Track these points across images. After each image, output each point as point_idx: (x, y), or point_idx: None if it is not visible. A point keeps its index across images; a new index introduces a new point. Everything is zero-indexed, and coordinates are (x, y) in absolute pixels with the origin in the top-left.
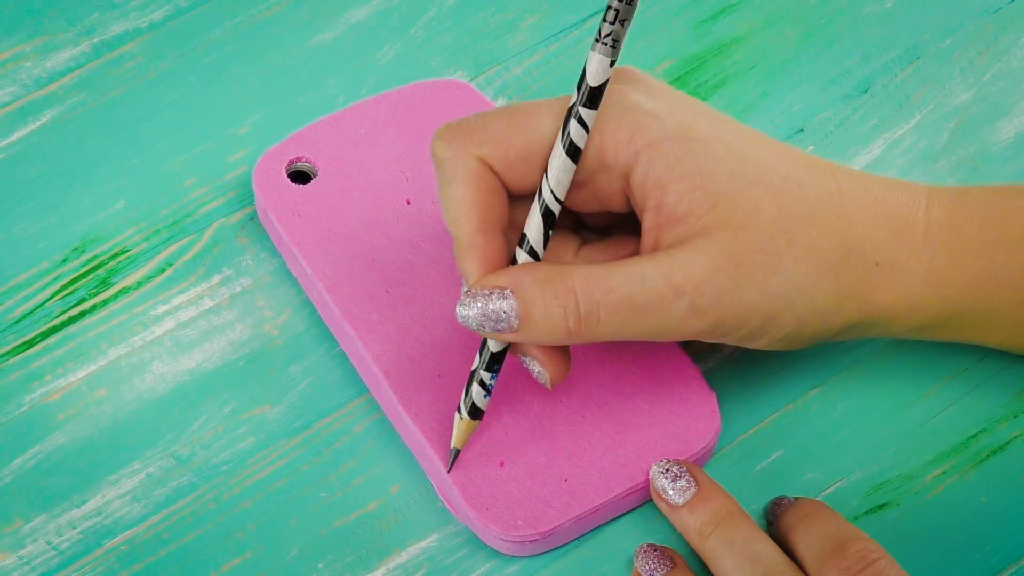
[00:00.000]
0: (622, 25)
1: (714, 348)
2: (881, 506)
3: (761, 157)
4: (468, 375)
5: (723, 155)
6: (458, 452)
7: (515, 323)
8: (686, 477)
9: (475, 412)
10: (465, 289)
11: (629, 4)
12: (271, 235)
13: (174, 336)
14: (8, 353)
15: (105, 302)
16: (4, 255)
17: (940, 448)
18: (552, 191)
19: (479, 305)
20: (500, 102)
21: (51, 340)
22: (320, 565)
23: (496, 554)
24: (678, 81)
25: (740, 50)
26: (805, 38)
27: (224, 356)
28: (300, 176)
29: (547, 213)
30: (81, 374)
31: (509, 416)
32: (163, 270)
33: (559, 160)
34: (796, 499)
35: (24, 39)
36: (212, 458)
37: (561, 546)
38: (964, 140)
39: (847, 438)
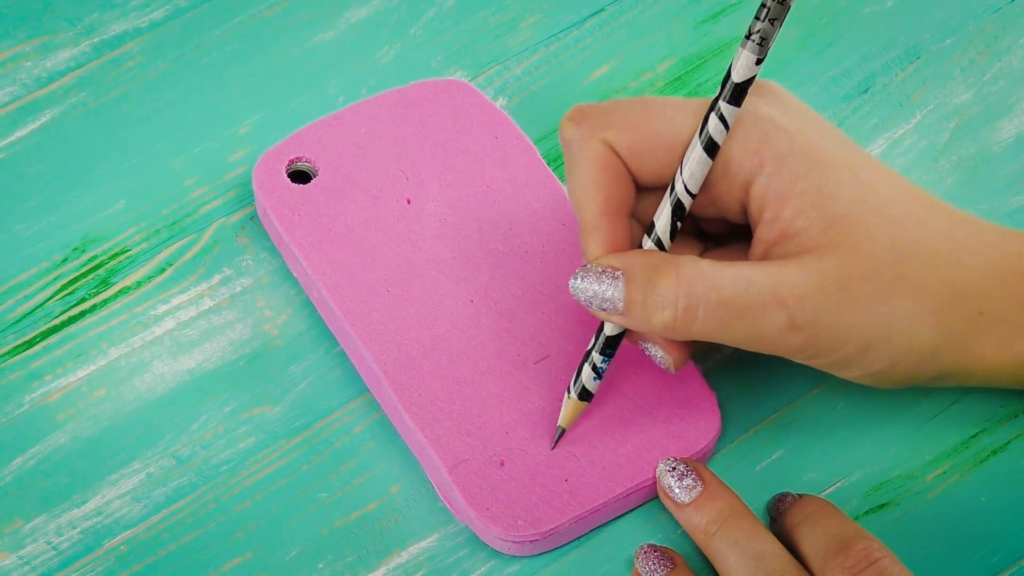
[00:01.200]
0: (772, 24)
1: (714, 348)
2: (881, 506)
3: (883, 188)
4: (580, 357)
5: (846, 179)
6: (563, 431)
7: (620, 305)
8: (692, 476)
9: (584, 394)
10: (582, 267)
11: (782, 3)
12: (271, 235)
13: (174, 336)
14: (8, 353)
15: (105, 302)
16: (4, 255)
17: (940, 448)
18: (685, 184)
19: (590, 281)
20: (500, 102)
21: (51, 340)
22: (320, 565)
23: (496, 554)
24: (678, 81)
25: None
26: (805, 38)
27: (224, 356)
28: (300, 176)
29: (678, 205)
30: (81, 374)
31: (509, 416)
32: (163, 270)
33: (696, 153)
34: (800, 496)
35: (24, 39)
36: (212, 458)
37: (561, 546)
38: (964, 140)
39: (847, 438)
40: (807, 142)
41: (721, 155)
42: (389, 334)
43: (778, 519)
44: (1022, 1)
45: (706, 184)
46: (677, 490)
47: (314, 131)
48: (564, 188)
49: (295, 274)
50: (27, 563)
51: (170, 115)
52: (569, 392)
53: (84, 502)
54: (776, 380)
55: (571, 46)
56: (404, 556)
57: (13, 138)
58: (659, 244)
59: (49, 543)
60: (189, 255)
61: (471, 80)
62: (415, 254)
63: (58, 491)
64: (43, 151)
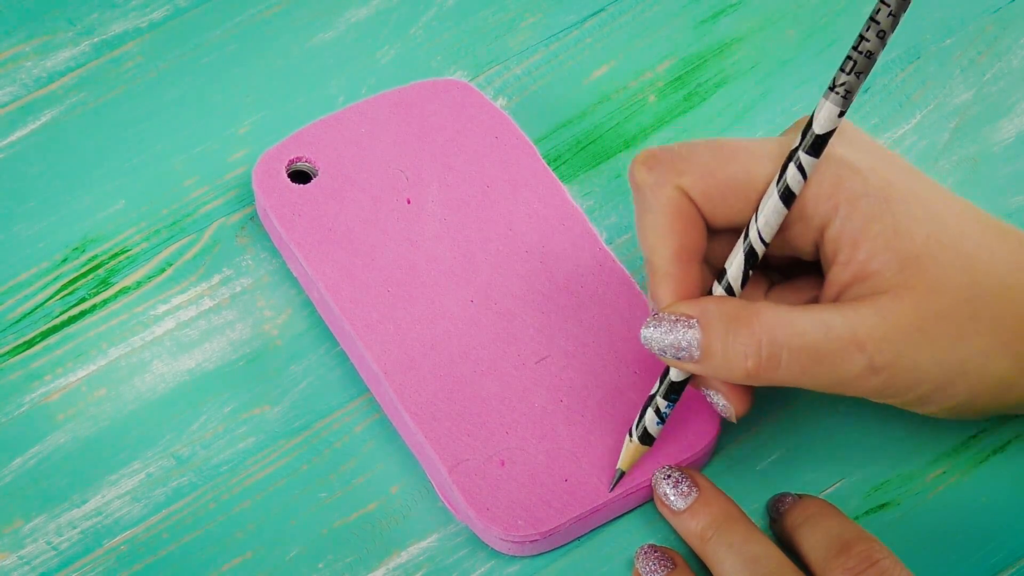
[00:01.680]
0: (857, 77)
1: None
2: (881, 506)
3: (956, 221)
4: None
5: (920, 217)
6: (623, 474)
7: (696, 354)
8: (687, 482)
9: (646, 438)
10: (653, 311)
11: (868, 58)
12: (271, 235)
13: (174, 336)
14: (8, 353)
15: (105, 302)
16: (4, 255)
17: (940, 448)
18: (759, 232)
19: (664, 330)
20: (500, 102)
21: (51, 340)
22: (320, 565)
23: (496, 554)
24: (678, 81)
25: (740, 50)
26: (805, 38)
27: (224, 356)
28: (300, 176)
29: (750, 253)
30: (81, 374)
31: (509, 416)
32: (163, 270)
33: (772, 202)
34: (800, 497)
35: (24, 39)
36: (212, 458)
37: (561, 546)
38: (964, 140)
39: (847, 438)
40: (880, 181)
41: (797, 199)
42: (389, 334)
43: (778, 520)
44: (1022, 1)
45: (780, 228)
46: (673, 497)
47: (314, 131)
48: (564, 188)
49: (295, 274)
50: (27, 563)
51: (170, 115)
52: (631, 435)
53: (84, 502)
54: None
55: (571, 46)
56: (404, 556)
57: (13, 138)
58: (729, 291)
59: (49, 543)
60: (189, 255)
61: (471, 80)
62: (415, 254)
63: (58, 491)
64: (43, 151)
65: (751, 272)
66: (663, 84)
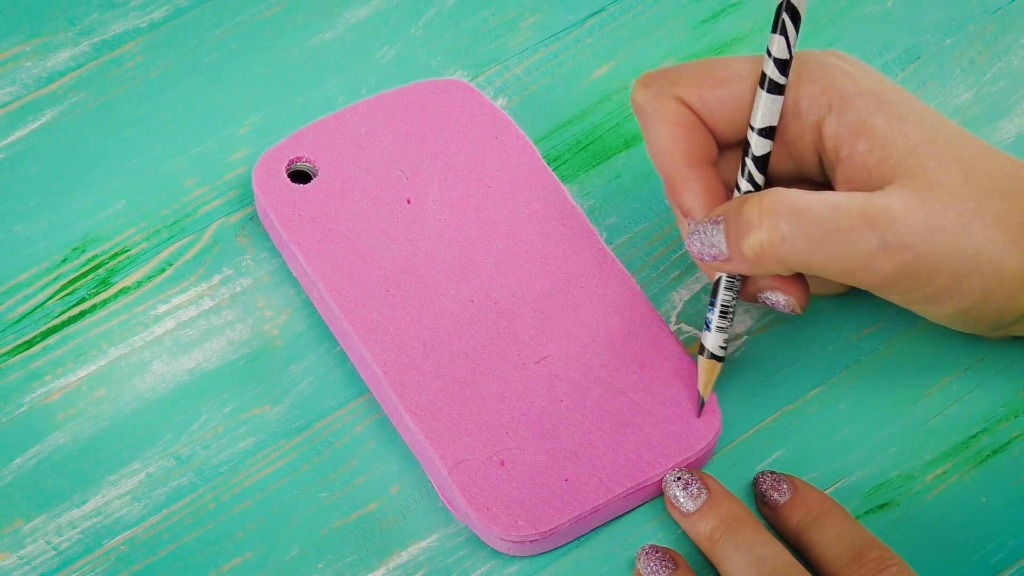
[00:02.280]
0: None
1: None
2: (881, 506)
3: (951, 131)
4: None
5: (914, 120)
6: (704, 402)
7: (724, 249)
8: (697, 484)
9: (715, 357)
10: (691, 225)
11: None
12: (271, 235)
13: (174, 336)
14: (8, 353)
15: (105, 302)
16: (4, 255)
17: (940, 448)
18: (758, 127)
19: (698, 235)
20: (500, 102)
21: (51, 340)
22: (320, 565)
23: (496, 554)
24: None
25: (740, 50)
26: (805, 38)
27: (224, 356)
28: (300, 176)
29: (758, 146)
30: (81, 374)
31: (509, 416)
32: (163, 270)
33: (762, 96)
34: (793, 483)
35: (24, 39)
36: (212, 458)
37: (561, 546)
38: None
39: (847, 438)
40: (872, 86)
41: (790, 97)
42: (389, 334)
43: (774, 508)
44: (1022, 1)
45: (779, 131)
46: (683, 499)
47: (314, 131)
48: (564, 188)
49: (295, 274)
50: (27, 563)
51: (170, 115)
52: (702, 354)
53: (84, 502)
54: (776, 380)
55: (571, 46)
56: (404, 556)
57: (13, 138)
58: (754, 185)
59: (49, 543)
60: (189, 255)
61: (471, 80)
62: (415, 254)
63: (58, 491)
64: (43, 151)
65: (767, 164)
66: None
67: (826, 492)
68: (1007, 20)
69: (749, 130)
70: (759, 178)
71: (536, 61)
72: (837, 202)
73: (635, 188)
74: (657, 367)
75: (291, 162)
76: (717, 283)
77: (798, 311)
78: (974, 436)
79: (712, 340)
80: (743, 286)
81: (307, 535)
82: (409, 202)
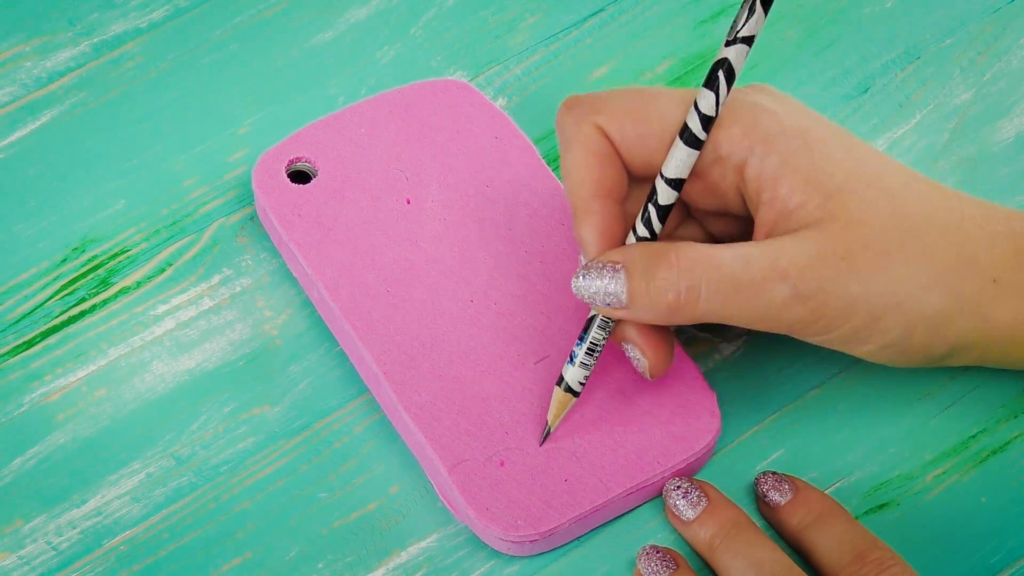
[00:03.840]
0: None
1: (714, 348)
2: (881, 506)
3: (880, 164)
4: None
5: (839, 157)
6: (549, 431)
7: (624, 299)
8: (697, 492)
9: (570, 390)
10: (583, 262)
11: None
12: (271, 235)
13: (174, 336)
14: (8, 353)
15: (105, 302)
16: (4, 255)
17: (940, 448)
18: (667, 175)
19: (592, 279)
20: (500, 102)
21: (51, 340)
22: (320, 565)
23: (496, 554)
24: (678, 81)
25: None
26: (805, 38)
27: (224, 356)
28: (300, 176)
29: (664, 192)
30: (81, 374)
31: (509, 416)
32: (163, 270)
33: (677, 144)
34: (795, 484)
35: (24, 39)
36: (212, 458)
37: (561, 546)
38: (964, 140)
39: (847, 438)
40: (796, 124)
41: (711, 141)
42: (389, 334)
43: (775, 508)
44: (1022, 1)
45: (700, 172)
46: (683, 507)
47: (314, 131)
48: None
49: (295, 274)
50: (27, 563)
51: (170, 115)
52: (559, 385)
53: (84, 502)
54: (776, 380)
55: (571, 46)
56: (404, 556)
57: (13, 138)
58: (648, 227)
59: (49, 543)
60: (189, 255)
61: (471, 80)
62: (415, 254)
63: (58, 491)
64: (43, 151)
65: (668, 212)
66: (663, 84)
67: (826, 492)
68: (1007, 20)
69: (659, 177)
70: (657, 227)
71: (536, 61)
72: (748, 255)
73: None
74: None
75: (291, 162)
76: (591, 320)
77: (649, 377)
78: (974, 436)
79: (572, 375)
80: (614, 329)
81: (306, 535)
82: (409, 202)
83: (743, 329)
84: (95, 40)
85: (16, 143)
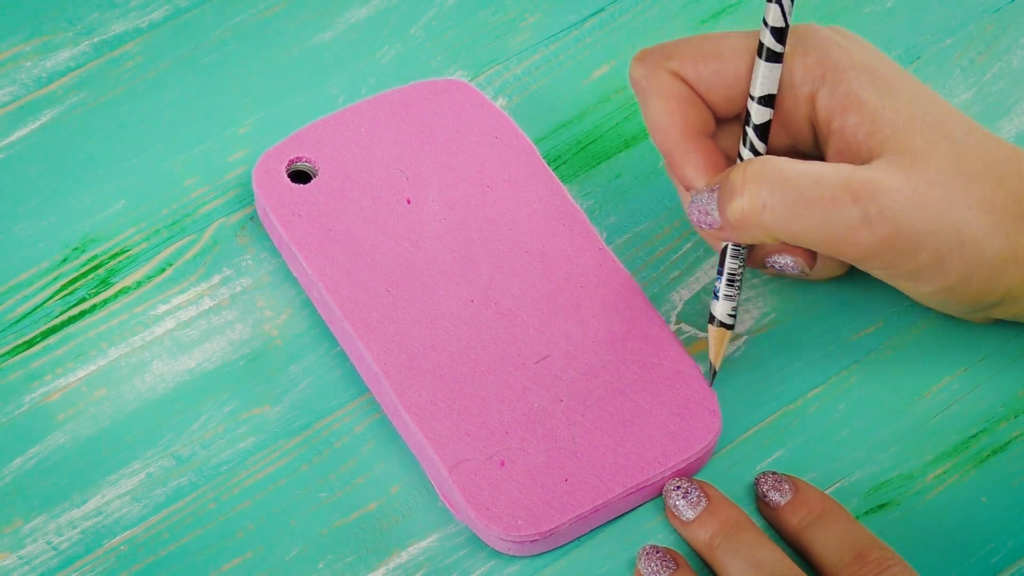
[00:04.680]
0: None
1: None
2: (881, 506)
3: (942, 109)
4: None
5: (906, 98)
6: (715, 372)
7: (716, 216)
8: (697, 492)
9: (725, 325)
10: (692, 194)
11: None
12: (271, 235)
13: (174, 336)
14: (8, 353)
15: (105, 302)
16: (4, 255)
17: (940, 448)
18: (756, 95)
19: (696, 204)
20: (500, 102)
21: (51, 340)
22: (320, 565)
23: (496, 554)
24: None
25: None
26: None
27: (224, 356)
28: (300, 176)
29: (758, 115)
30: (81, 374)
31: (509, 416)
32: (163, 270)
33: (760, 64)
34: (795, 484)
35: (24, 39)
36: (212, 458)
37: (561, 546)
38: None
39: (847, 438)
40: (865, 60)
41: (785, 68)
42: (389, 334)
43: (776, 509)
44: (1022, 1)
45: (775, 102)
46: (683, 507)
47: (314, 131)
48: (564, 188)
49: (295, 274)
50: (27, 563)
51: (170, 115)
52: (712, 323)
53: (84, 502)
54: (776, 380)
55: (571, 46)
56: (404, 556)
57: (13, 138)
58: (756, 154)
59: (49, 543)
60: (189, 255)
61: (471, 80)
62: (415, 254)
63: (58, 491)
64: (43, 151)
65: (765, 137)
66: None
67: (826, 492)
68: (1007, 20)
69: (749, 99)
70: (760, 147)
71: (536, 61)
72: (821, 172)
73: (635, 188)
74: (657, 367)
75: (291, 162)
76: (724, 251)
77: (807, 271)
78: (974, 436)
79: (720, 308)
80: (750, 253)
81: (307, 535)
82: (409, 202)
83: (743, 329)
84: (95, 40)
85: (16, 143)
